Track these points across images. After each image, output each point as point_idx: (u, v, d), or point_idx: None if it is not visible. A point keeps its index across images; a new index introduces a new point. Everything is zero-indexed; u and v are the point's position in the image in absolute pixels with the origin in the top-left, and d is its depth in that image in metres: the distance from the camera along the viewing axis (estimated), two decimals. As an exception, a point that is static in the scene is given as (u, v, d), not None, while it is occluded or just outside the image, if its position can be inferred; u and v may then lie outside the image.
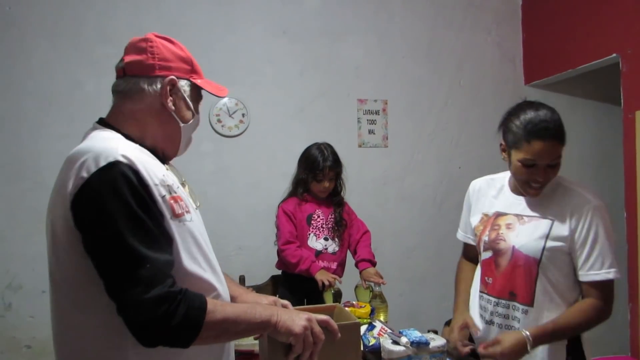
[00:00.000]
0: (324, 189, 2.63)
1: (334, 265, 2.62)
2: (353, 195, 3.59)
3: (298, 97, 3.62)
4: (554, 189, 1.70)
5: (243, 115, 3.51)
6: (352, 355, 1.31)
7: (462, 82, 3.92)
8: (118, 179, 1.06)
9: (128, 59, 1.27)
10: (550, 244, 1.64)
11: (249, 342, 1.85)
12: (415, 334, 1.54)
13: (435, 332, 1.79)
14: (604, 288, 1.62)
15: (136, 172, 1.09)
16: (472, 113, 3.90)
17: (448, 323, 2.58)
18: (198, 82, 1.34)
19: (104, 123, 1.26)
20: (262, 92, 3.55)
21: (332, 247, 2.65)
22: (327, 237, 2.64)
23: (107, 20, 3.25)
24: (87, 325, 1.12)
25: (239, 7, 3.51)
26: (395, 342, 1.53)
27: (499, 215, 1.80)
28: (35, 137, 3.13)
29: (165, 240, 1.12)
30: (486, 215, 1.85)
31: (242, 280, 2.75)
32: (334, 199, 2.71)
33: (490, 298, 1.77)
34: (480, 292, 1.83)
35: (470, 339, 1.92)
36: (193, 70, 1.34)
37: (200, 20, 3.44)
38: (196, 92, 1.36)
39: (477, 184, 1.98)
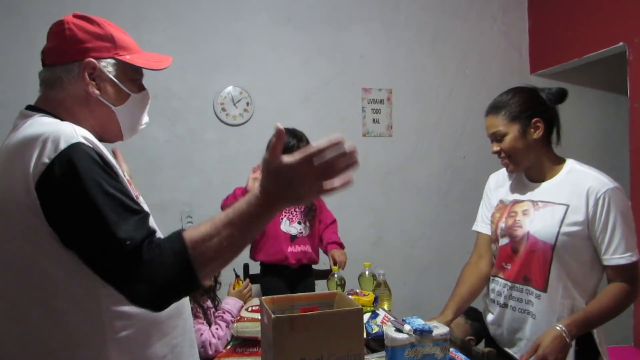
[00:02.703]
0: None
1: (309, 249, 2.66)
2: (357, 184, 3.58)
3: (302, 86, 3.61)
4: (568, 173, 1.71)
5: (247, 104, 3.51)
6: (355, 341, 1.31)
7: (467, 72, 3.90)
8: (85, 159, 1.00)
9: (46, 47, 1.18)
10: (565, 229, 1.64)
11: (252, 329, 1.87)
12: (418, 322, 1.54)
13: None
14: (630, 271, 1.62)
15: (99, 154, 1.04)
16: (477, 102, 3.85)
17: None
18: (127, 58, 1.20)
19: (35, 110, 1.17)
20: (267, 80, 3.55)
21: (306, 230, 2.69)
22: (301, 221, 2.68)
23: (111, 8, 3.24)
24: (40, 319, 1.03)
25: (243, -5, 3.50)
26: (399, 330, 1.53)
27: (515, 202, 1.82)
28: (40, 126, 3.14)
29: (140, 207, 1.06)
30: (502, 202, 1.87)
31: (246, 267, 2.77)
32: None
33: (506, 282, 1.79)
34: (494, 275, 1.86)
35: (482, 323, 1.95)
36: (118, 47, 1.19)
37: (204, 8, 3.43)
38: (129, 69, 1.22)
39: (494, 177, 2.01)
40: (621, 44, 3.12)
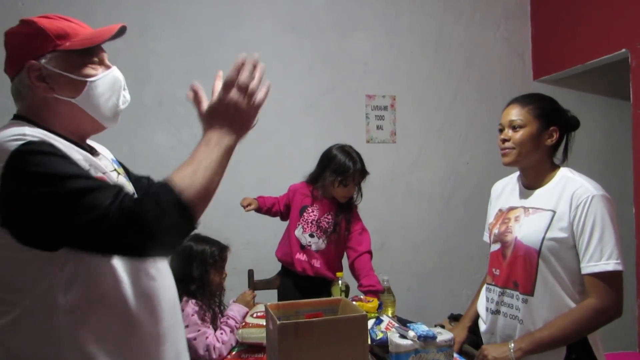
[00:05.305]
0: (347, 194, 2.58)
1: (317, 263, 2.57)
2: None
3: (306, 92, 3.63)
4: (559, 180, 1.72)
5: (251, 110, 3.52)
6: (359, 347, 1.32)
7: (471, 78, 3.91)
8: (39, 153, 0.97)
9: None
10: (550, 234, 1.64)
11: (257, 335, 1.88)
12: (423, 328, 1.55)
13: (442, 327, 1.81)
14: (604, 281, 1.58)
15: (52, 145, 1.01)
16: (481, 109, 3.89)
17: (451, 317, 2.60)
18: (66, 45, 1.14)
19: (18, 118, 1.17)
20: (271, 87, 3.55)
21: (317, 244, 2.59)
22: (313, 234, 2.59)
23: (116, 16, 3.27)
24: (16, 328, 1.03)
25: (248, 2, 3.52)
26: (403, 336, 1.54)
27: (510, 209, 1.83)
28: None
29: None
30: (500, 210, 1.89)
31: (250, 274, 2.78)
32: (343, 203, 2.63)
33: (497, 288, 1.80)
34: (488, 284, 1.87)
35: (476, 331, 1.96)
36: (55, 37, 1.14)
37: (209, 15, 3.45)
38: (75, 55, 1.16)
39: (497, 185, 2.03)
40: (623, 50, 3.13)
